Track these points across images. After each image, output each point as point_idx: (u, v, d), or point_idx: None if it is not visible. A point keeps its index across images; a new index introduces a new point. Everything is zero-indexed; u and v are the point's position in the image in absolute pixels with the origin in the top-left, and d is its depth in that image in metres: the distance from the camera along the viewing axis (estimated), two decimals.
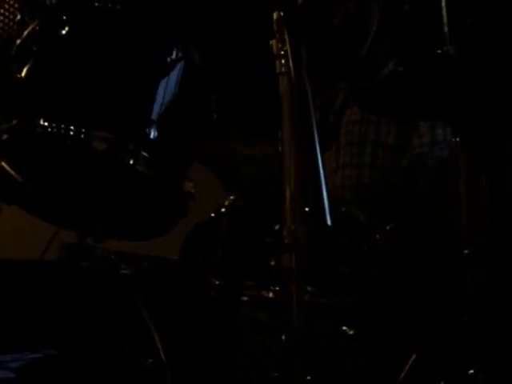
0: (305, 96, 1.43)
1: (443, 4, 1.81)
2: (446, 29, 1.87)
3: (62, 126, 1.67)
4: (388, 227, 2.03)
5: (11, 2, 2.81)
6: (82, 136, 1.67)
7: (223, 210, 2.04)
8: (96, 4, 1.73)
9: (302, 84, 1.44)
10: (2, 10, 2.08)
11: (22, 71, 1.89)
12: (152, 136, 1.72)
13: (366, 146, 2.66)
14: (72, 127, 1.67)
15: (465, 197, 1.75)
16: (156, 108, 1.77)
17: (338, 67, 2.68)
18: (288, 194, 1.44)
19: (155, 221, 1.95)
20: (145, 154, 1.71)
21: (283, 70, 1.50)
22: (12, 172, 1.91)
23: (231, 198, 2.06)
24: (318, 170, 1.33)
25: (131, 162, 1.70)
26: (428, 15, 1.65)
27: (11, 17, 2.01)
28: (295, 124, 1.39)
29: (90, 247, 2.06)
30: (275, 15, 1.52)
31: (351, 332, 1.91)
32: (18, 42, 1.90)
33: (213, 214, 2.04)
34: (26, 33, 1.87)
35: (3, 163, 1.92)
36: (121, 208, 1.94)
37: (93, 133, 1.68)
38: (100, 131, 1.69)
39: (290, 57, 1.45)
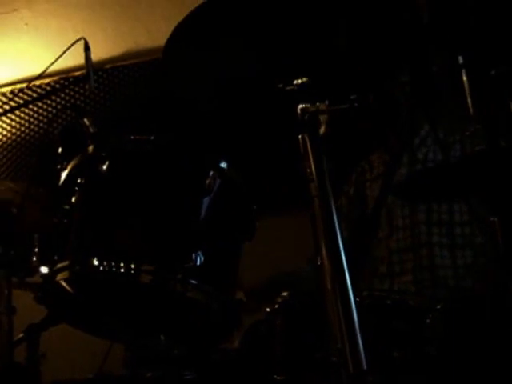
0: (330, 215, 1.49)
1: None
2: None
3: (113, 263, 1.73)
4: (439, 307, 2.05)
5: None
6: (132, 272, 1.72)
7: (277, 306, 2.09)
8: (129, 148, 1.81)
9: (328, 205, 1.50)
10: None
11: (69, 203, 1.97)
12: (199, 262, 1.78)
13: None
14: (122, 264, 1.73)
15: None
16: (200, 234, 1.83)
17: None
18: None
19: (210, 331, 2.01)
20: (193, 281, 1.76)
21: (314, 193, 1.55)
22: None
23: (284, 294, 2.11)
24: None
25: (181, 290, 1.75)
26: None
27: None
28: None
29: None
30: (300, 138, 1.59)
31: None
32: (64, 174, 1.97)
33: (268, 309, 2.10)
34: (70, 166, 1.95)
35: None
36: (177, 325, 2.00)
37: (141, 267, 1.73)
38: (148, 265, 1.75)
39: (315, 177, 1.51)
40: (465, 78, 1.79)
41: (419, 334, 1.95)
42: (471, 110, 1.87)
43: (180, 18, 3.87)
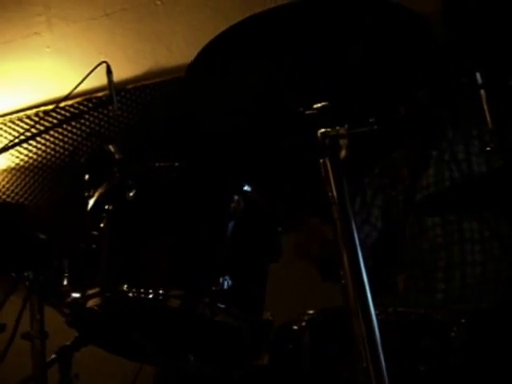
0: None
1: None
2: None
3: (142, 289, 1.77)
4: (463, 320, 2.07)
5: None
6: (161, 297, 1.76)
7: (304, 323, 2.12)
8: (154, 175, 1.86)
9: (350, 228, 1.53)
10: None
11: (97, 229, 2.01)
12: (226, 286, 1.82)
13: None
14: (150, 290, 1.77)
15: None
16: (227, 257, 1.87)
17: None
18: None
19: (240, 352, 2.04)
20: (221, 305, 1.80)
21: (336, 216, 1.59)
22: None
23: (311, 312, 2.15)
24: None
25: (209, 314, 1.79)
26: None
27: None
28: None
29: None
30: (321, 163, 1.62)
31: None
32: (92, 201, 2.02)
33: (295, 327, 2.13)
34: (97, 194, 2.00)
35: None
36: (206, 346, 2.04)
37: (169, 292, 1.78)
38: (176, 290, 1.79)
39: (336, 200, 1.54)
40: (483, 96, 1.81)
41: (445, 347, 1.96)
42: (490, 126, 1.89)
43: (199, 37, 3.94)
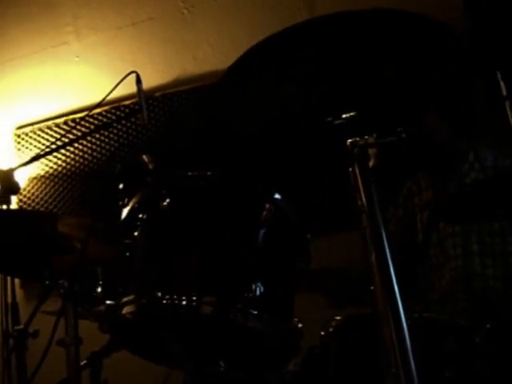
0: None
1: None
2: None
3: (175, 296, 1.82)
4: (488, 326, 2.09)
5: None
6: (194, 303, 1.81)
7: (331, 329, 2.15)
8: (187, 184, 1.90)
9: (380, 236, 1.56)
10: None
11: (131, 237, 2.06)
12: (258, 292, 1.86)
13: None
14: (184, 296, 1.82)
15: None
16: (258, 265, 1.91)
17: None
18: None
19: (270, 358, 2.08)
20: (254, 311, 1.84)
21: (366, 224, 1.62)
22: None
23: (337, 318, 2.17)
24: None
25: (241, 320, 1.83)
26: None
27: None
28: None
29: None
30: (351, 171, 1.66)
31: None
32: (126, 210, 2.07)
33: (323, 333, 2.16)
34: (132, 203, 2.05)
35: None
36: (237, 352, 2.08)
37: (202, 299, 1.82)
38: (209, 296, 1.83)
39: (366, 208, 1.58)
40: (508, 109, 1.83)
41: (470, 353, 1.98)
42: None
43: (225, 45, 3.99)
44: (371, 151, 1.67)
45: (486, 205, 2.15)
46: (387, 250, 1.56)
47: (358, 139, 1.69)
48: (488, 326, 2.06)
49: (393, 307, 1.51)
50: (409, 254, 2.80)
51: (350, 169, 1.67)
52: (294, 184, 2.73)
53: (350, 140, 1.68)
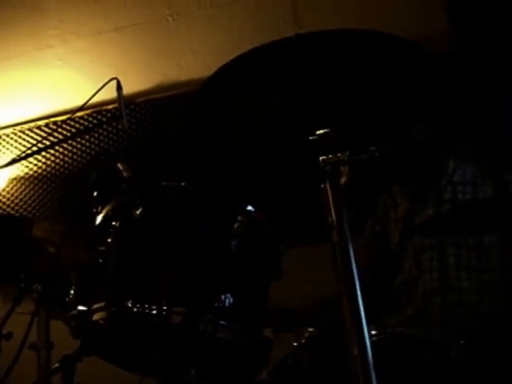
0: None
1: None
2: None
3: (146, 305, 1.84)
4: (462, 341, 2.11)
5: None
6: (164, 313, 1.83)
7: (304, 341, 2.18)
8: (160, 195, 1.92)
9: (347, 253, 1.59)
10: None
11: (104, 244, 2.08)
12: (228, 303, 1.88)
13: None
14: (154, 306, 1.84)
15: None
16: (229, 276, 1.94)
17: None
18: None
19: (240, 368, 2.10)
20: (223, 322, 1.86)
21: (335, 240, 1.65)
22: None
23: (311, 329, 2.20)
24: None
25: (211, 330, 1.85)
26: None
27: None
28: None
29: None
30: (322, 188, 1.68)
31: None
32: (100, 217, 2.08)
33: (295, 344, 2.18)
34: (105, 211, 2.06)
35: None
36: (208, 362, 2.09)
37: (172, 309, 1.84)
38: (178, 307, 1.85)
39: (336, 225, 1.60)
40: None
41: (445, 368, 2.00)
42: None
43: (209, 54, 4.01)
44: (343, 168, 1.69)
45: (463, 225, 2.18)
46: (354, 267, 1.58)
47: (330, 156, 1.70)
48: (462, 341, 2.07)
49: (357, 323, 1.53)
50: (385, 267, 2.82)
51: (322, 185, 1.69)
52: (277, 196, 2.75)
53: (322, 157, 1.69)
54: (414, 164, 2.76)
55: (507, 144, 3.10)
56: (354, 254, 1.61)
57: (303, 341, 2.18)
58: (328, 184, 1.66)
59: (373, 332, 2.05)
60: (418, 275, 2.70)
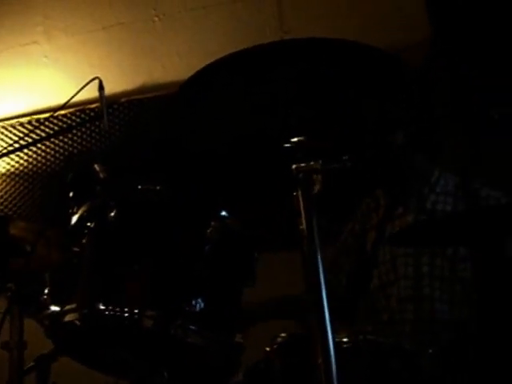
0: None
1: None
2: None
3: (118, 308, 1.84)
4: (430, 351, 2.13)
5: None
6: (135, 316, 1.83)
7: (276, 346, 2.19)
8: (135, 198, 1.93)
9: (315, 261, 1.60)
10: None
11: (78, 245, 2.08)
12: (198, 308, 1.88)
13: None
14: (126, 309, 1.84)
15: None
16: (201, 281, 1.95)
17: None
18: None
19: (211, 373, 2.11)
20: (193, 327, 1.87)
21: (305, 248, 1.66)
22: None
23: (283, 335, 2.21)
24: None
25: (181, 335, 1.86)
26: None
27: None
28: None
29: None
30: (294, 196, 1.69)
31: None
32: (75, 218, 2.09)
33: (268, 348, 2.19)
34: (81, 211, 2.07)
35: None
36: (179, 365, 2.10)
37: (144, 313, 1.84)
38: (150, 310, 1.85)
39: (306, 234, 1.61)
40: None
41: (414, 376, 2.02)
42: None
43: (194, 56, 4.01)
44: (316, 177, 1.70)
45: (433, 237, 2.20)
46: (321, 275, 1.59)
47: (303, 164, 1.71)
48: (430, 350, 2.09)
49: (322, 331, 1.54)
50: (361, 269, 2.83)
51: (294, 193, 1.70)
52: (254, 202, 2.76)
53: (294, 165, 1.70)
54: (393, 170, 2.77)
55: (487, 147, 3.12)
56: (323, 262, 1.61)
57: (275, 346, 2.18)
58: (300, 192, 1.66)
59: (344, 339, 2.07)
60: (394, 280, 2.71)
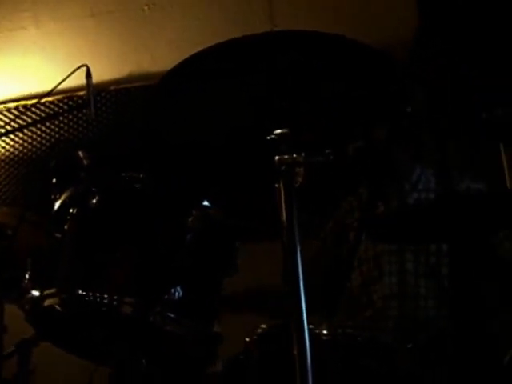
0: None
1: None
2: None
3: (97, 294, 1.85)
4: (409, 346, 2.14)
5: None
6: (114, 303, 1.84)
7: (255, 337, 2.20)
8: (118, 185, 1.93)
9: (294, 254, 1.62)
10: None
11: (60, 231, 2.08)
12: (177, 296, 1.89)
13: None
14: (105, 295, 1.85)
15: None
16: (181, 269, 1.96)
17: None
18: None
19: (188, 362, 2.12)
20: (171, 314, 1.88)
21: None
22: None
23: (263, 326, 2.22)
24: None
25: (160, 322, 1.87)
26: None
27: None
28: None
29: None
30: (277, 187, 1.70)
31: None
32: (58, 204, 2.09)
33: (247, 339, 2.20)
34: (63, 198, 2.07)
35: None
36: (157, 353, 2.11)
37: (123, 299, 1.85)
38: (129, 297, 1.86)
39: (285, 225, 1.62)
40: None
41: (392, 372, 2.03)
42: None
43: (183, 46, 4.00)
44: (298, 170, 1.71)
45: (417, 230, 2.21)
46: (300, 267, 1.60)
47: (286, 157, 1.72)
48: (409, 346, 2.11)
49: (298, 324, 1.55)
50: (340, 266, 2.84)
51: (276, 185, 1.70)
52: (236, 192, 2.76)
53: (277, 157, 1.71)
54: (375, 166, 2.77)
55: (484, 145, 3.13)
56: (302, 254, 1.62)
57: (255, 337, 2.19)
58: (282, 184, 1.67)
59: (324, 331, 2.08)
60: (378, 277, 2.72)
